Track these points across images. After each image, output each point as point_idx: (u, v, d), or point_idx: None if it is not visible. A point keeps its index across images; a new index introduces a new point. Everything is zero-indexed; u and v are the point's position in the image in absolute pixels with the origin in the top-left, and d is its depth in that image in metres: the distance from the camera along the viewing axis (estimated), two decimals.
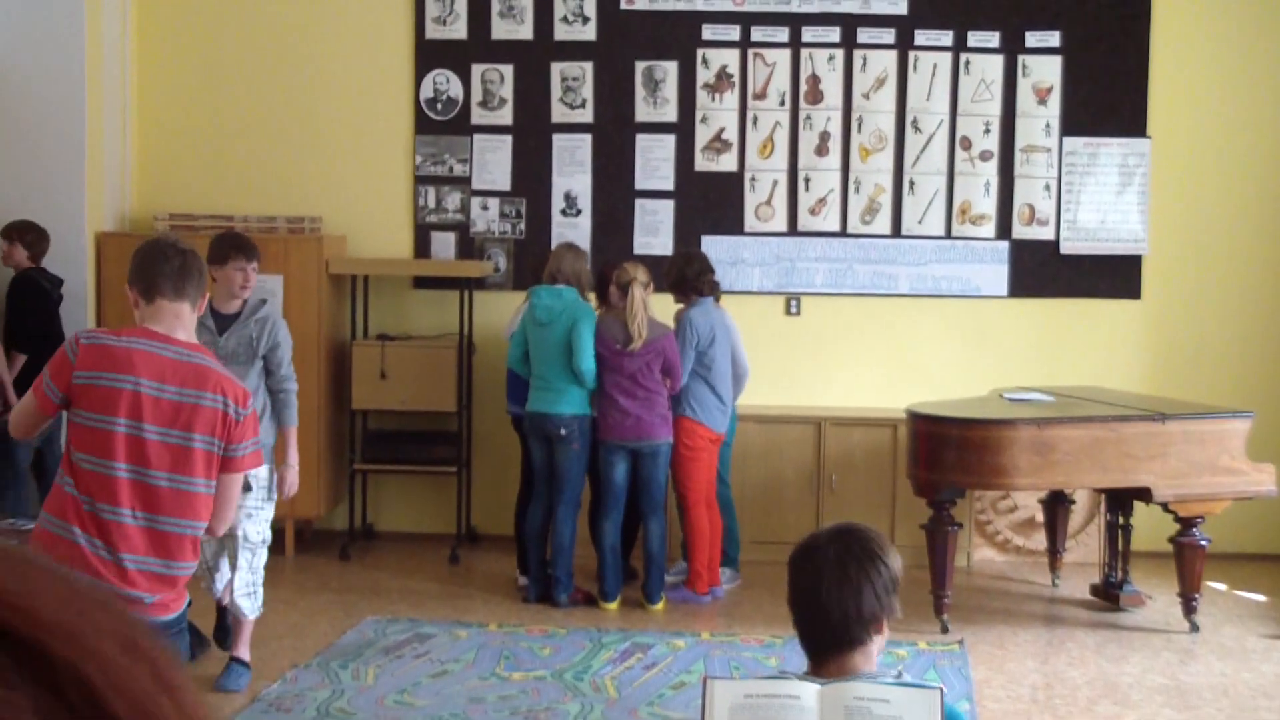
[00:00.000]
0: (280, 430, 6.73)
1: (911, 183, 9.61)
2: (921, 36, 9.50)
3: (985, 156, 9.58)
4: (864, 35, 9.52)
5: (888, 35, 9.51)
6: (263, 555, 6.70)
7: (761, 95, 9.59)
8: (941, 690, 3.15)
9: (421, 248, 9.72)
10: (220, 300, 6.55)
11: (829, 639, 3.24)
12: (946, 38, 9.50)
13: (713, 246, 9.45)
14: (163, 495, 4.36)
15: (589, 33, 9.59)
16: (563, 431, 8.08)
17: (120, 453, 4.35)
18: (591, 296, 8.34)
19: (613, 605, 8.15)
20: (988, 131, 9.56)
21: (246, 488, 6.20)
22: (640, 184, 9.64)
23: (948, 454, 7.66)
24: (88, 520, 4.37)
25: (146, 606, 4.36)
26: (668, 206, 9.63)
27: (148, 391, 4.38)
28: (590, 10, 9.56)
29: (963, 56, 9.52)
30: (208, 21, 9.69)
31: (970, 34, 9.49)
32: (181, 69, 9.72)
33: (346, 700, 6.57)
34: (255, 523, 6.58)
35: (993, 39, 9.50)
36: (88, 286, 9.03)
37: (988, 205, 9.58)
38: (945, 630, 7.71)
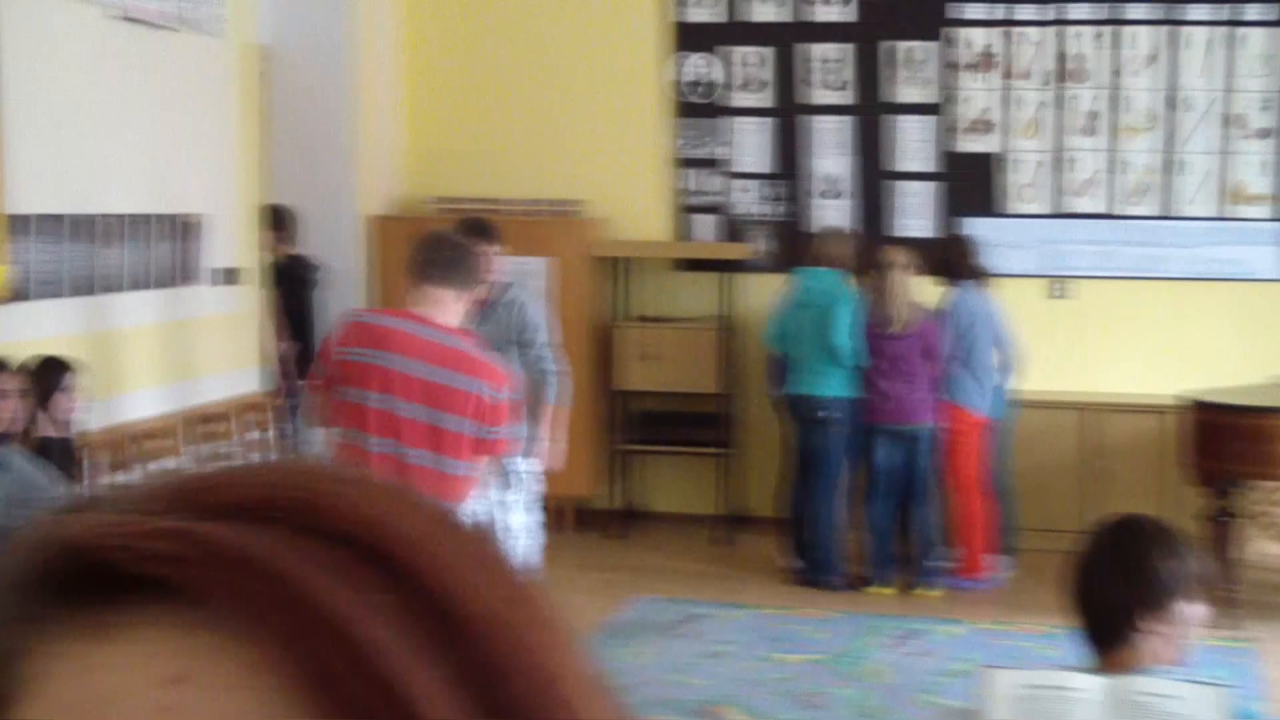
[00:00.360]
0: (542, 410, 6.56)
1: (1181, 162, 9.32)
2: (1194, 11, 9.20)
3: (1261, 134, 9.24)
4: (1132, 11, 9.26)
5: (1157, 10, 9.24)
6: (533, 541, 6.63)
7: (1024, 75, 9.39)
8: (1231, 689, 3.02)
9: (682, 230, 9.74)
10: None
11: (1111, 631, 3.12)
12: (1221, 11, 9.19)
13: (973, 228, 9.28)
14: (416, 472, 4.42)
15: (849, 14, 9.50)
16: (821, 413, 8.04)
17: (374, 426, 4.45)
18: (856, 282, 8.27)
19: (885, 590, 8.07)
20: (1265, 108, 9.22)
21: (510, 483, 6.16)
22: (899, 165, 9.52)
23: (1231, 443, 7.42)
24: None
25: None
26: (927, 188, 9.49)
27: (401, 369, 4.48)
28: None
29: (1237, 31, 9.20)
30: (473, 8, 9.82)
31: (1246, 7, 9.17)
32: (449, 55, 9.87)
33: (623, 678, 6.60)
34: (528, 514, 6.49)
35: (1272, 11, 9.16)
36: (360, 269, 9.23)
37: (1263, 185, 9.25)
38: (1233, 626, 7.45)
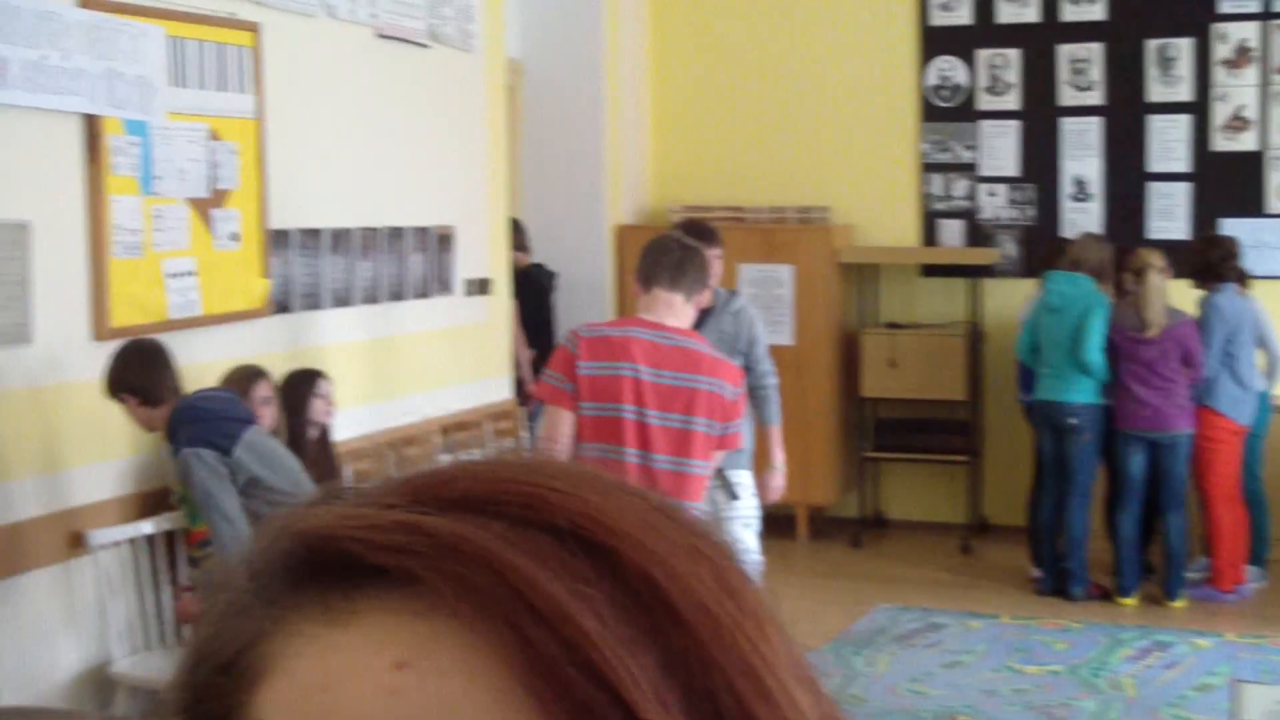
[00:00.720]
0: (761, 430, 6.24)
1: None
2: None
3: None
4: None
5: None
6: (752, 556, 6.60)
7: None
8: None
9: (929, 235, 9.69)
10: None
11: None
12: None
13: (1232, 229, 9.02)
14: (662, 478, 4.47)
15: (1098, 12, 9.33)
16: (1073, 421, 7.92)
17: (630, 438, 4.51)
18: (1109, 288, 8.13)
19: (1130, 601, 7.92)
20: None
21: (733, 495, 6.04)
22: (1153, 166, 9.31)
23: None
24: None
25: None
26: (1183, 189, 9.27)
27: (647, 377, 4.53)
28: None
29: None
30: (718, 18, 9.92)
31: None
32: (693, 65, 10.00)
33: (860, 687, 6.63)
34: (752, 531, 6.21)
35: None
36: (608, 278, 9.41)
37: None
38: None
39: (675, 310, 4.67)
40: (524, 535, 0.55)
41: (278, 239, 6.26)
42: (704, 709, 0.54)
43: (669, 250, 4.74)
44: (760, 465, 6.26)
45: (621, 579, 0.55)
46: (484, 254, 7.94)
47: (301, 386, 5.88)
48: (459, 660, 0.54)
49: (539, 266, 8.89)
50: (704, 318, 5.87)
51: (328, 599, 0.56)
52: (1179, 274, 8.15)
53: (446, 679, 0.53)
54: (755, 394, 6.02)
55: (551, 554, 0.55)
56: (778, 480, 6.20)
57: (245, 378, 5.49)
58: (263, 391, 5.59)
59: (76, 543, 5.22)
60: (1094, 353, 7.77)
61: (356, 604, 0.56)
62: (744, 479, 6.08)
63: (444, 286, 7.53)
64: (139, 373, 5.04)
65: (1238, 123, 9.19)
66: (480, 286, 7.88)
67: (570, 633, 0.53)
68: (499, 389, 8.06)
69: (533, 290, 8.71)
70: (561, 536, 0.55)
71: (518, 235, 8.66)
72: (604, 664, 0.53)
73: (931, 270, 9.59)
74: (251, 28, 6.06)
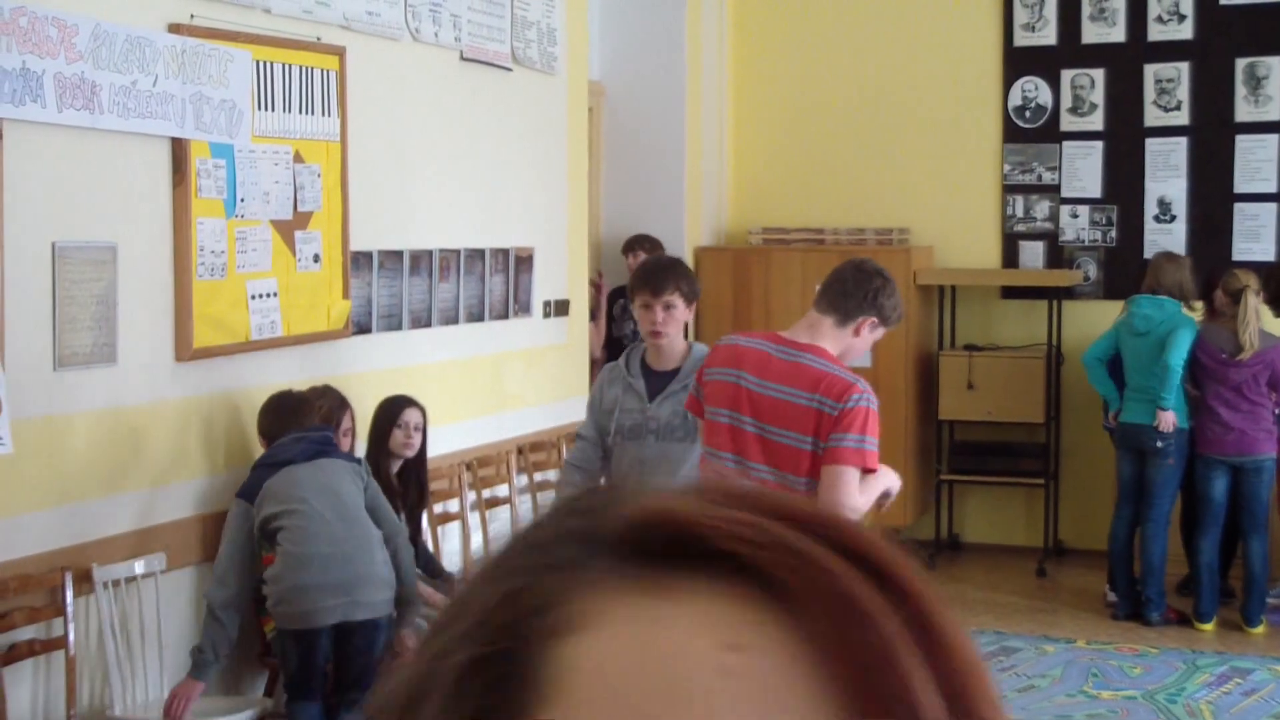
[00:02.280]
0: None
1: None
2: None
3: None
4: None
5: None
6: None
7: None
8: None
9: (1009, 257, 9.66)
10: (649, 351, 5.39)
11: None
12: None
13: None
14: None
15: (1185, 31, 9.28)
16: (1158, 444, 7.87)
17: (726, 443, 4.56)
18: (1198, 306, 8.07)
19: (1208, 626, 7.87)
20: None
21: None
22: (1240, 187, 9.24)
23: None
24: None
25: None
26: (1270, 210, 9.19)
27: (749, 386, 4.54)
28: (1187, 8, 9.24)
29: None
30: (798, 40, 9.96)
31: None
32: (773, 86, 10.04)
33: None
34: None
35: None
36: None
37: None
38: None
39: (818, 331, 4.58)
40: (838, 553, 0.59)
41: (359, 260, 6.36)
42: None
43: (842, 274, 4.67)
44: None
45: (906, 603, 0.58)
46: (563, 276, 8.02)
47: (383, 417, 5.97)
48: (791, 650, 0.57)
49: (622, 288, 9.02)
50: (664, 384, 5.29)
51: (656, 575, 0.59)
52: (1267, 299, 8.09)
53: (779, 666, 0.56)
54: None
55: (860, 573, 0.59)
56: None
57: (331, 409, 5.64)
58: (345, 423, 5.73)
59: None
60: (1176, 359, 7.70)
61: (686, 583, 0.58)
62: None
63: (523, 308, 7.62)
64: (267, 419, 5.44)
65: None
66: (559, 308, 7.95)
67: (886, 641, 0.57)
68: (576, 410, 8.13)
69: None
70: (863, 562, 0.59)
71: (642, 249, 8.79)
72: (909, 679, 0.56)
73: (1011, 292, 9.56)
74: (337, 52, 6.18)
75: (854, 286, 4.58)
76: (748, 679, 0.56)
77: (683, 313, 5.27)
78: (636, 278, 5.32)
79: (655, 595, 0.58)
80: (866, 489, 4.51)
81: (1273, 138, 9.16)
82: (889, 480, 4.63)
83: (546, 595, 0.60)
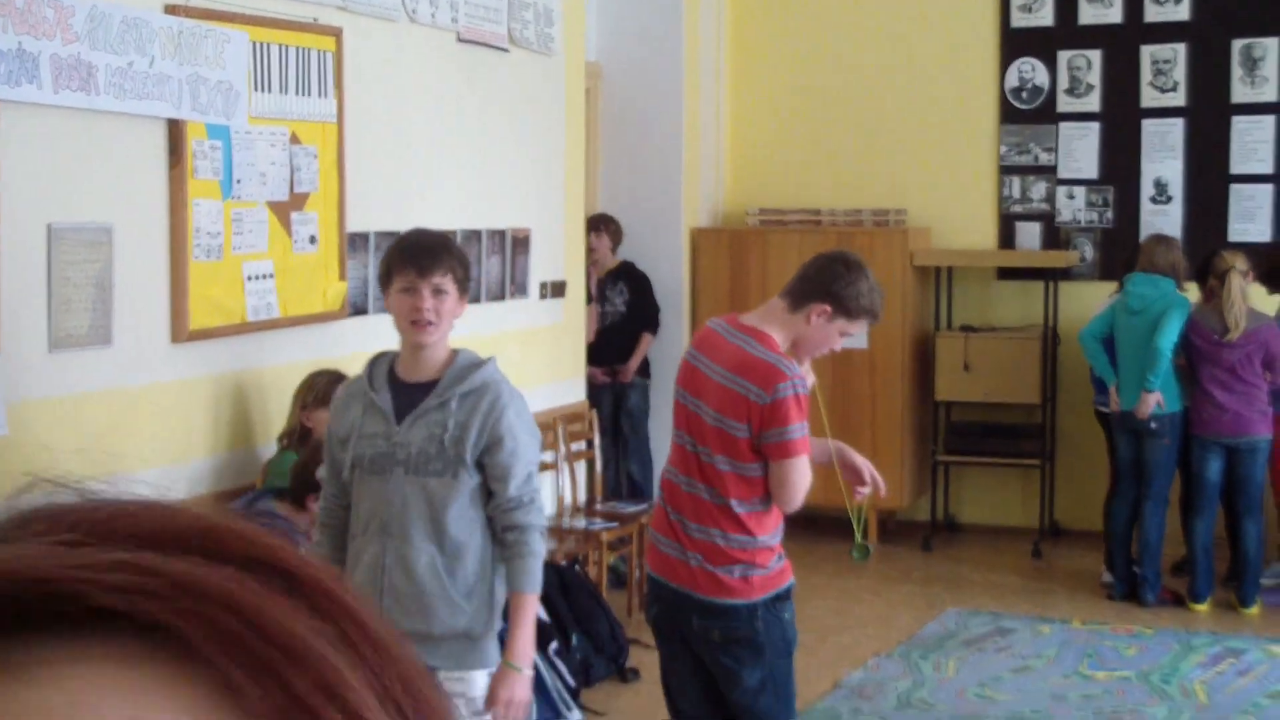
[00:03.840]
0: (510, 598, 4.11)
1: None
2: None
3: None
4: None
5: None
6: None
7: None
8: None
9: (1005, 238, 9.67)
10: (404, 355, 4.19)
11: None
12: None
13: None
14: (708, 470, 4.44)
15: (1182, 12, 9.27)
16: (1153, 425, 7.89)
17: (682, 423, 4.49)
18: (1191, 287, 8.07)
19: (1203, 607, 7.89)
20: None
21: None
22: (1236, 168, 9.24)
23: None
24: (664, 484, 4.60)
25: (707, 579, 4.42)
26: (1266, 191, 9.20)
27: (700, 367, 4.46)
28: None
29: None
30: (795, 21, 9.95)
31: None
32: (770, 68, 10.03)
33: (927, 691, 6.65)
34: None
35: None
36: (683, 281, 9.47)
37: None
38: None
39: (769, 314, 4.46)
40: (226, 570, 0.51)
41: (355, 242, 6.35)
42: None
43: (811, 260, 4.53)
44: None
45: (320, 610, 0.52)
46: (560, 257, 8.02)
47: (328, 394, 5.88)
48: (202, 704, 0.48)
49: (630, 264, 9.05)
50: (417, 400, 4.12)
51: (9, 650, 0.48)
52: (1258, 277, 8.11)
53: None
54: (502, 542, 4.08)
55: (262, 589, 0.51)
56: (518, 692, 4.09)
57: (329, 383, 5.59)
58: None
59: None
60: (1165, 341, 7.71)
61: (51, 654, 0.48)
62: (475, 686, 4.16)
63: (519, 289, 7.62)
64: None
65: None
66: (555, 289, 7.95)
67: (324, 671, 0.50)
68: (573, 391, 8.14)
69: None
70: (253, 569, 0.52)
71: (610, 228, 8.83)
72: (357, 702, 0.50)
73: (1007, 273, 9.57)
74: (334, 33, 6.16)
75: (812, 272, 4.44)
76: None
77: (454, 304, 4.08)
78: (396, 253, 4.12)
79: (11, 682, 0.47)
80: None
81: (1269, 119, 9.17)
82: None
83: None
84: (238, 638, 0.49)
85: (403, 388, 4.13)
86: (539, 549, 4.07)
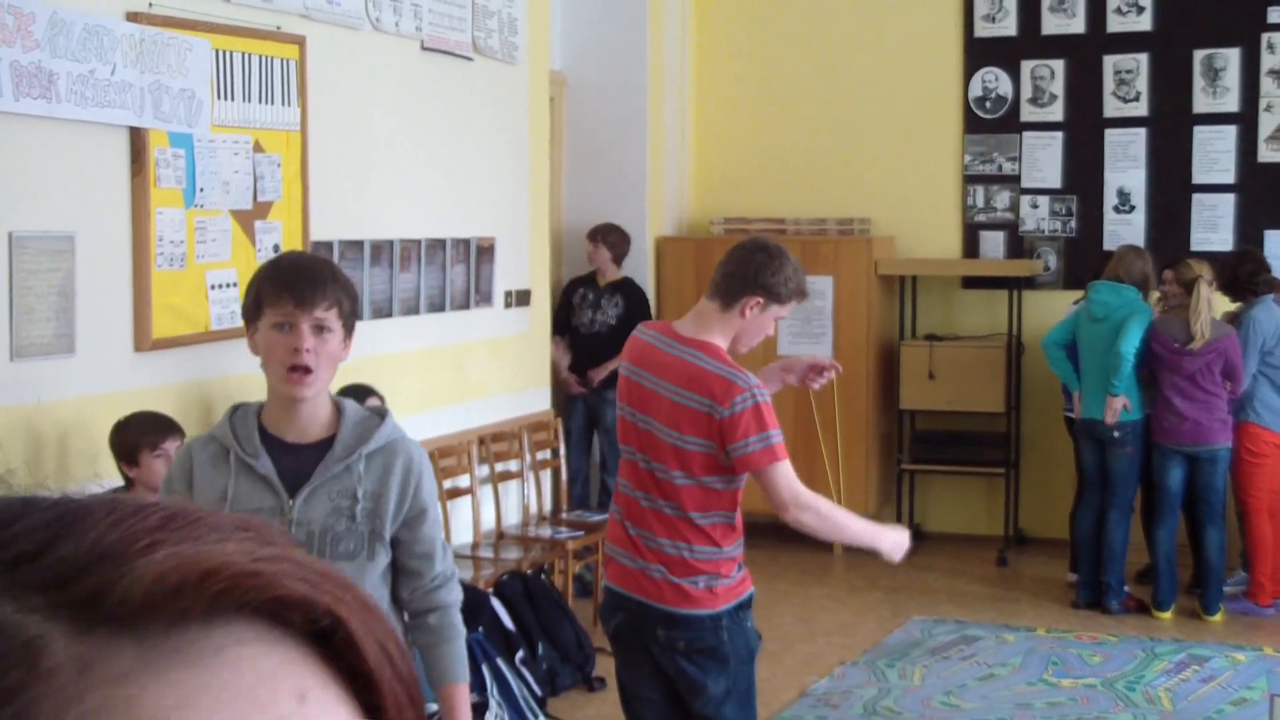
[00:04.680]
0: (440, 690, 3.55)
1: None
2: None
3: None
4: None
5: None
6: None
7: None
8: None
9: (970, 247, 9.70)
10: (275, 409, 3.40)
11: None
12: None
13: (1278, 242, 9.02)
14: (665, 486, 4.39)
15: (1144, 23, 9.33)
16: (1115, 434, 7.92)
17: (632, 439, 4.43)
18: (1154, 296, 8.12)
19: (1167, 614, 7.92)
20: None
21: None
22: (1198, 178, 9.29)
23: None
24: (620, 499, 4.57)
25: (671, 590, 4.37)
26: (1228, 201, 9.25)
27: (639, 380, 4.40)
28: (1146, 0, 9.29)
29: None
30: (760, 30, 9.97)
31: None
32: (735, 77, 10.04)
33: (893, 699, 6.66)
34: None
35: None
36: (649, 289, 9.46)
37: None
38: None
39: (705, 319, 4.36)
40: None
41: (319, 250, 6.32)
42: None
43: (728, 255, 4.41)
44: None
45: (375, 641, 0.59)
46: (524, 266, 8.01)
47: None
48: (337, 689, 0.57)
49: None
50: (308, 466, 3.37)
51: (208, 637, 0.54)
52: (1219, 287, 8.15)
53: (339, 706, 0.56)
54: (422, 624, 3.50)
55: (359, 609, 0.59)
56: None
57: (157, 427, 5.45)
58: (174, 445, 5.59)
59: None
60: (1128, 346, 7.74)
61: (212, 641, 0.54)
62: None
63: (484, 298, 7.60)
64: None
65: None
66: (520, 298, 7.94)
67: (418, 699, 0.60)
68: (538, 400, 8.13)
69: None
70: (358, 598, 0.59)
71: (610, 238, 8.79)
72: (411, 683, 0.59)
73: (972, 282, 9.60)
74: (297, 41, 6.15)
75: (735, 267, 4.34)
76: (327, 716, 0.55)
77: (338, 345, 3.29)
78: (268, 280, 3.30)
79: (195, 667, 0.52)
80: (854, 526, 4.40)
81: (1230, 129, 9.23)
82: (892, 541, 4.52)
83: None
84: (380, 642, 0.58)
85: (284, 449, 3.36)
86: (463, 627, 3.55)
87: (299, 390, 3.27)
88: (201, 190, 5.65)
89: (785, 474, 4.25)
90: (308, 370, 3.24)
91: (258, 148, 5.95)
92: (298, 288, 3.24)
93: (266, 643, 0.55)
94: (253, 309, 3.30)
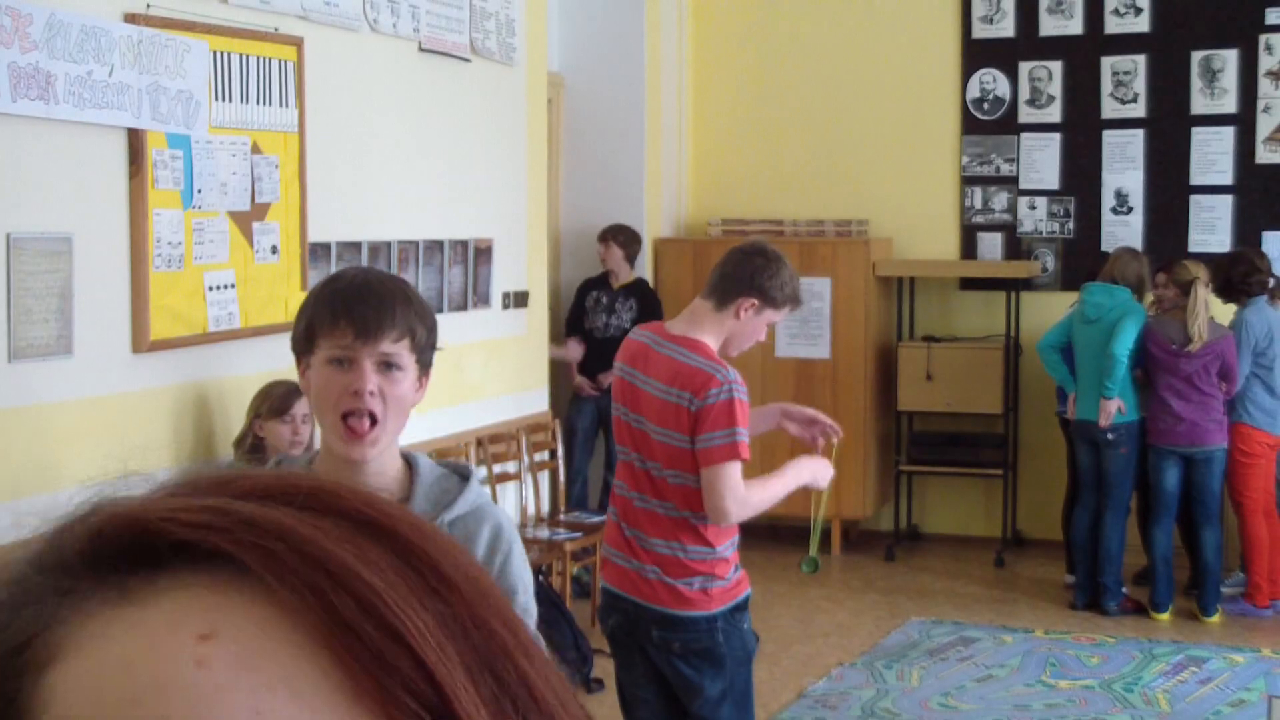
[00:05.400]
0: None
1: None
2: None
3: None
4: None
5: None
6: None
7: None
8: None
9: (967, 249, 9.70)
10: (329, 466, 2.75)
11: None
12: None
13: (1275, 243, 9.03)
14: (660, 485, 4.42)
15: (1142, 24, 9.33)
16: (1110, 435, 7.92)
17: (626, 440, 4.44)
18: (1149, 299, 8.13)
19: (1164, 616, 7.92)
20: None
21: None
22: (1196, 179, 9.30)
23: None
24: (616, 500, 4.57)
25: (667, 591, 4.36)
26: (1226, 202, 9.25)
27: (633, 380, 4.40)
28: (1144, 1, 9.30)
29: None
30: (757, 32, 9.97)
31: None
32: (732, 79, 10.05)
33: (891, 701, 6.66)
34: None
35: None
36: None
37: None
38: None
39: (697, 318, 4.37)
40: (313, 516, 0.60)
41: (317, 252, 6.32)
42: (476, 659, 0.60)
43: (726, 257, 4.44)
44: None
45: (400, 552, 0.60)
46: (522, 267, 8.00)
47: (264, 404, 5.68)
48: (262, 625, 0.57)
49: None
50: None
51: (125, 581, 0.59)
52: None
53: (250, 644, 0.57)
54: None
55: (338, 530, 0.60)
56: None
57: (285, 394, 5.54)
58: (302, 409, 5.61)
59: None
60: (1121, 348, 7.75)
61: (157, 583, 0.59)
62: None
63: (482, 299, 7.60)
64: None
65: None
66: (518, 299, 7.94)
67: (362, 591, 0.58)
68: (535, 402, 8.12)
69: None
70: (345, 518, 0.61)
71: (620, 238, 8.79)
72: (394, 617, 0.58)
73: (969, 284, 9.60)
74: (295, 42, 6.14)
75: (732, 268, 4.36)
76: (224, 665, 0.56)
77: (411, 386, 2.71)
78: (324, 302, 2.65)
79: (124, 603, 0.58)
80: (775, 483, 4.37)
81: (1228, 130, 9.23)
82: (811, 472, 4.49)
83: (24, 631, 0.59)
84: (285, 562, 0.58)
85: None
86: None
87: (358, 450, 2.62)
88: (199, 191, 5.65)
89: (737, 475, 4.24)
90: (372, 420, 2.61)
91: (255, 149, 5.94)
92: (359, 313, 2.60)
93: (206, 586, 0.59)
94: (304, 339, 2.65)
